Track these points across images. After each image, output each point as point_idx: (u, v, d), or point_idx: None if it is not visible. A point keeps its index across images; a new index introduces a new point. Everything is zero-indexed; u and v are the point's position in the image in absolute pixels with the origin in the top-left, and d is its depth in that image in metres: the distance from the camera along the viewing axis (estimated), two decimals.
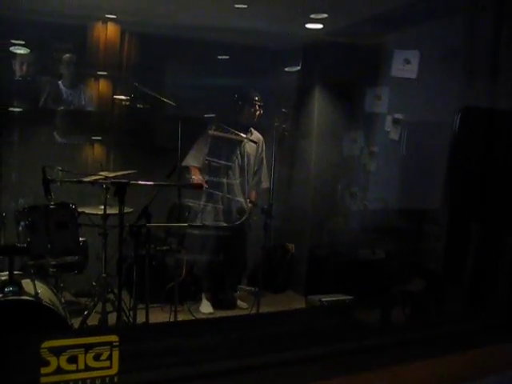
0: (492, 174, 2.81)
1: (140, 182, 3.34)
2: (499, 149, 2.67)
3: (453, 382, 1.87)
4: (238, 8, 4.79)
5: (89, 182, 3.55)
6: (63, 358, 1.25)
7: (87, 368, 1.28)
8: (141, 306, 3.85)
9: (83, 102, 5.20)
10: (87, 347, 1.26)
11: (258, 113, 5.06)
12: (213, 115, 5.21)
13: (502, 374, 1.98)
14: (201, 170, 5.00)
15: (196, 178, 4.92)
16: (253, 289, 5.51)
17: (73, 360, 1.26)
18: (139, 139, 5.18)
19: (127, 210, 4.31)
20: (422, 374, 1.81)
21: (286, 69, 6.05)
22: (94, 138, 5.19)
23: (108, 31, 5.23)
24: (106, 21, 5.19)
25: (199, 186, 4.47)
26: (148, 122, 5.19)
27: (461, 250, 3.04)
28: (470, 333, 2.20)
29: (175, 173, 4.04)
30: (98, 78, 5.30)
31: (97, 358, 1.28)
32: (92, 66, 5.20)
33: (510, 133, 2.61)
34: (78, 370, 1.27)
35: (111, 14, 5.13)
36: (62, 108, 5.12)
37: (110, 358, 1.30)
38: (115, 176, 3.67)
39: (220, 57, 5.86)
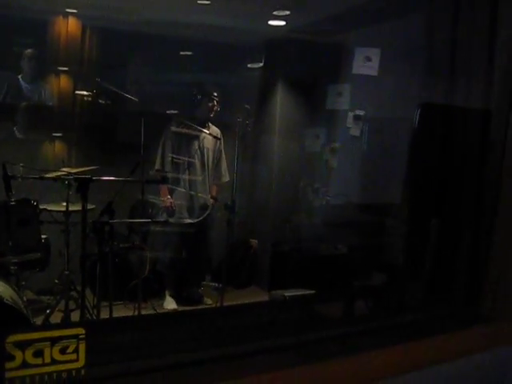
0: (451, 170, 2.88)
1: (103, 178, 3.32)
2: (458, 144, 2.74)
3: (412, 368, 1.93)
4: (200, 4, 4.79)
5: (51, 178, 3.51)
6: (29, 352, 1.25)
7: (53, 361, 1.27)
8: (104, 303, 3.85)
9: (44, 98, 5.12)
10: (53, 340, 1.26)
11: (215, 108, 5.08)
12: (175, 111, 5.21)
13: (457, 360, 2.06)
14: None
15: (165, 198, 4.99)
16: (216, 285, 5.53)
17: (39, 354, 1.26)
18: (101, 135, 5.13)
19: (90, 206, 4.30)
20: (383, 360, 1.86)
21: (249, 65, 6.07)
22: (55, 134, 5.11)
23: (69, 26, 5.16)
24: (66, 15, 5.11)
25: (163, 181, 4.47)
26: (110, 118, 5.15)
27: (420, 244, 3.10)
28: (428, 322, 2.27)
29: (138, 169, 4.02)
30: (58, 73, 5.23)
31: (63, 351, 1.28)
32: (53, 61, 5.12)
33: (467, 128, 2.68)
34: (44, 364, 1.27)
35: (72, 8, 5.06)
36: (23, 103, 5.03)
37: (76, 350, 1.30)
38: (78, 172, 3.63)
39: (183, 53, 5.83)
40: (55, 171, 3.69)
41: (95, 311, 3.94)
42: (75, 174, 3.49)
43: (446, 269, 2.79)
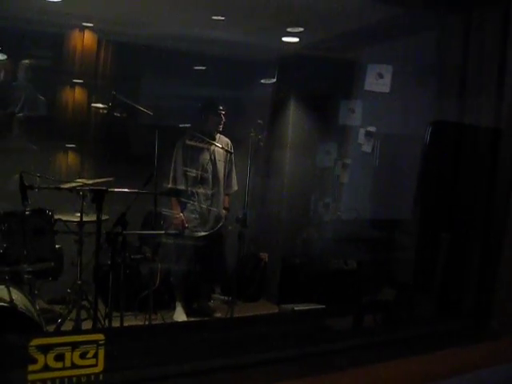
0: (461, 187, 2.91)
1: (117, 190, 3.37)
2: (468, 161, 2.77)
3: (419, 382, 1.96)
4: (215, 19, 4.86)
5: (67, 188, 3.56)
6: (50, 356, 1.29)
7: (73, 366, 1.31)
8: (115, 314, 3.88)
9: (58, 110, 5.19)
10: (74, 345, 1.30)
11: (222, 121, 5.11)
12: (188, 125, 5.27)
13: (464, 375, 2.08)
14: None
15: (177, 214, 5.00)
16: (226, 298, 5.55)
17: (60, 358, 1.30)
18: (116, 147, 5.20)
19: (103, 217, 4.36)
20: (389, 374, 1.89)
21: (262, 81, 6.14)
22: (70, 145, 5.18)
23: (85, 39, 5.25)
24: (83, 29, 5.21)
25: (175, 193, 4.51)
26: (125, 131, 5.22)
27: (431, 259, 3.13)
28: (436, 336, 2.29)
29: (151, 181, 4.07)
30: (74, 85, 5.31)
31: (83, 356, 1.32)
32: (69, 73, 5.20)
33: (477, 145, 2.72)
34: (64, 368, 1.31)
35: (89, 22, 5.15)
36: (39, 115, 5.11)
37: (95, 356, 1.34)
38: (93, 183, 3.69)
39: (197, 67, 5.91)
40: (71, 182, 3.75)
41: (106, 321, 3.98)
42: (90, 185, 3.55)
43: (456, 284, 2.81)
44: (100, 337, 1.34)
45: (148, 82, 5.72)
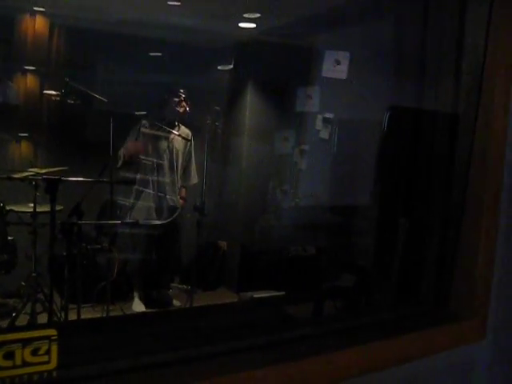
0: (419, 172, 2.92)
1: (71, 179, 3.28)
2: (425, 146, 2.78)
3: (378, 367, 1.96)
4: (171, 5, 4.77)
5: (19, 178, 3.45)
6: None
7: (25, 363, 1.26)
8: (72, 306, 3.80)
9: (10, 97, 5.02)
10: (25, 342, 1.24)
11: (183, 107, 5.05)
12: (144, 112, 5.18)
13: (423, 359, 2.09)
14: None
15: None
16: (185, 287, 5.51)
17: (9, 356, 1.24)
18: (70, 135, 5.07)
19: (58, 207, 4.25)
20: (348, 360, 1.88)
21: (219, 67, 6.07)
22: (21, 134, 5.02)
23: (36, 24, 5.09)
24: (34, 13, 5.04)
25: (131, 182, 4.43)
26: (79, 118, 5.09)
27: (388, 244, 3.14)
28: (394, 321, 2.30)
29: (106, 170, 3.98)
30: (25, 72, 5.15)
31: (34, 352, 1.26)
32: (19, 60, 5.04)
33: (434, 131, 2.73)
34: (15, 366, 1.25)
35: (40, 6, 4.99)
36: None
37: (48, 352, 1.28)
38: (46, 172, 3.58)
39: (153, 54, 5.80)
40: (23, 172, 3.63)
41: (62, 314, 3.90)
42: (43, 174, 3.44)
43: (415, 269, 2.83)
44: (52, 332, 1.28)
45: (103, 69, 5.59)
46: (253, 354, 1.69)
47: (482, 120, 2.44)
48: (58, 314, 4.05)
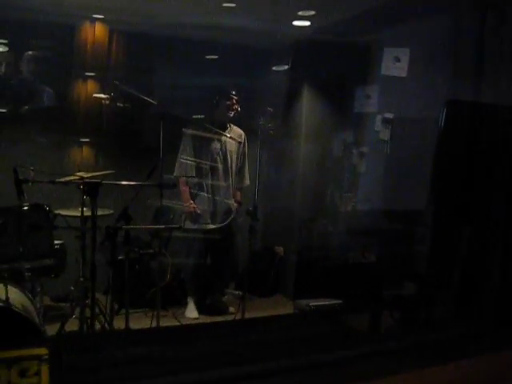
0: (482, 172, 2.68)
1: (112, 182, 3.19)
2: (488, 144, 2.54)
3: None
4: (225, 7, 4.66)
5: (61, 182, 3.39)
6: None
7: None
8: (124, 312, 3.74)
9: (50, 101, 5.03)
10: (10, 362, 1.12)
11: (235, 108, 4.94)
12: (197, 116, 5.10)
13: None
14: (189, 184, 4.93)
15: (187, 203, 4.87)
16: (239, 293, 5.37)
17: None
18: (120, 139, 5.03)
19: (107, 211, 4.20)
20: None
21: (274, 68, 5.92)
22: (71, 137, 5.02)
23: (93, 30, 5.09)
24: (93, 20, 5.05)
25: (174, 185, 4.34)
26: (129, 121, 5.04)
27: (448, 252, 2.91)
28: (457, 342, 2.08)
29: (155, 172, 3.89)
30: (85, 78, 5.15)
31: (23, 374, 1.14)
32: (73, 64, 5.04)
33: (499, 127, 2.48)
34: None
35: (98, 13, 4.99)
36: (42, 107, 4.96)
37: (38, 373, 1.15)
38: (91, 176, 3.51)
39: (207, 56, 5.72)
40: (69, 175, 3.57)
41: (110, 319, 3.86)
42: (87, 178, 3.37)
43: (477, 282, 2.59)
44: (43, 351, 1.15)
45: (158, 72, 5.54)
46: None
47: None
48: (108, 319, 3.99)
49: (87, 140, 5.07)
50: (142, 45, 5.21)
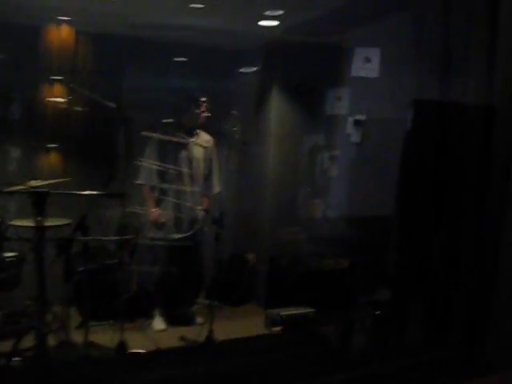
0: (448, 174, 2.55)
1: (61, 192, 3.00)
2: (456, 145, 2.41)
3: None
4: (191, 8, 4.51)
5: (5, 192, 3.17)
6: None
7: None
8: (93, 323, 3.71)
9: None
10: None
11: (204, 114, 4.79)
12: (168, 120, 4.93)
13: None
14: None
15: (152, 210, 4.76)
16: (209, 302, 5.21)
17: None
18: (78, 144, 4.83)
19: (64, 221, 4.01)
20: None
21: (242, 70, 5.76)
22: (27, 144, 4.81)
23: (56, 32, 4.89)
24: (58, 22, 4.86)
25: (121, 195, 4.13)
26: (88, 126, 4.84)
27: (417, 256, 2.78)
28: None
29: (111, 181, 3.69)
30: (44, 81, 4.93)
31: None
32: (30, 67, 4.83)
33: (466, 127, 2.35)
34: None
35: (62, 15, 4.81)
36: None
37: None
38: (41, 185, 3.29)
39: (174, 58, 5.54)
40: (15, 185, 3.35)
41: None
42: (31, 187, 3.15)
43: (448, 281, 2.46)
44: None
45: (122, 74, 5.37)
46: None
47: None
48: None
49: (47, 146, 4.85)
50: (106, 47, 5.02)
